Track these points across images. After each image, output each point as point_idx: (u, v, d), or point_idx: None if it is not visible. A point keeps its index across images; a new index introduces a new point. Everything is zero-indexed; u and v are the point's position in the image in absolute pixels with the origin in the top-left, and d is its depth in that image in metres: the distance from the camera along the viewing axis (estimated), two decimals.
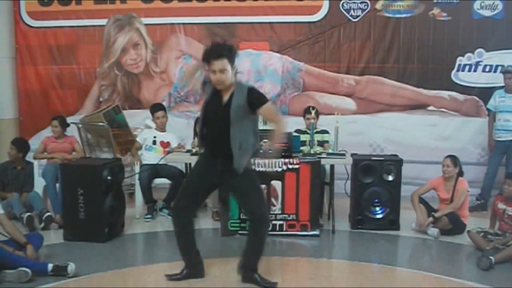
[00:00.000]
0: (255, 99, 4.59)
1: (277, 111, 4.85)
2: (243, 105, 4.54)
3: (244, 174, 4.64)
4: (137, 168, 7.42)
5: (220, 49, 4.53)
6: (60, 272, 4.96)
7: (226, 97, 4.61)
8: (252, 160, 4.86)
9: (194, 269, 5.00)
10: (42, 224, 6.62)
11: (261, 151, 4.89)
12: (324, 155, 6.56)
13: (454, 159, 6.69)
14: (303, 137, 6.98)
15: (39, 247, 5.46)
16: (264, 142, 6.15)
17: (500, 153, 7.86)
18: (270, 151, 4.86)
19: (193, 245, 4.98)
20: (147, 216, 7.20)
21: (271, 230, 6.28)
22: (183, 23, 9.22)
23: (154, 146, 7.48)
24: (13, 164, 7.29)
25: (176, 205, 4.99)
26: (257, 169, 6.25)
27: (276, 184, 6.35)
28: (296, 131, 7.29)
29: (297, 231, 6.37)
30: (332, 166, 6.70)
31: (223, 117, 4.53)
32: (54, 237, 6.35)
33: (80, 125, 8.10)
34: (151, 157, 7.40)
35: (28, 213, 6.56)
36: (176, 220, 4.92)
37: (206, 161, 4.80)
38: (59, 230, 6.46)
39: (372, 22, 8.79)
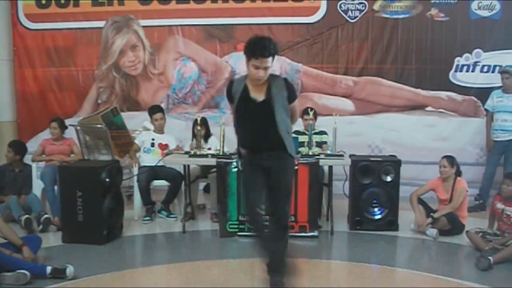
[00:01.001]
0: (292, 91, 4.61)
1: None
2: (284, 95, 4.53)
3: (286, 170, 4.66)
4: (135, 170, 7.41)
5: (270, 47, 4.43)
6: (59, 274, 4.95)
7: (261, 91, 4.54)
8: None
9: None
10: (41, 227, 6.61)
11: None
12: (322, 156, 6.55)
13: (450, 159, 6.69)
14: (301, 138, 6.98)
15: (37, 249, 5.45)
16: None
17: (498, 153, 7.86)
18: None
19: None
20: (145, 218, 7.19)
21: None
22: (181, 25, 9.23)
23: (152, 148, 7.47)
24: (11, 167, 7.28)
25: (250, 214, 4.86)
26: None
27: None
28: (295, 132, 7.27)
29: (296, 232, 6.36)
30: (330, 167, 6.70)
31: (265, 109, 4.48)
32: (52, 239, 6.34)
33: (78, 127, 8.07)
34: (149, 159, 7.39)
35: (26, 215, 6.55)
36: (256, 228, 4.75)
37: (251, 160, 4.69)
38: (58, 233, 6.44)
39: (370, 23, 8.80)
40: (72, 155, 7.57)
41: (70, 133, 7.94)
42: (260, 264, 4.74)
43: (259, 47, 4.39)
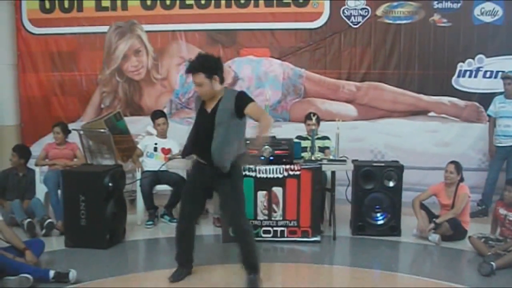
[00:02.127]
0: (241, 100, 4.76)
1: (264, 110, 5.06)
2: (230, 109, 4.72)
3: (230, 180, 4.87)
4: (138, 175, 7.43)
5: (195, 63, 4.71)
6: (62, 279, 4.97)
7: (211, 105, 4.81)
8: (240, 167, 5.12)
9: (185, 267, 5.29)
10: (44, 231, 6.62)
11: (248, 141, 5.04)
12: (325, 161, 6.56)
13: (458, 166, 6.69)
14: (304, 143, 6.99)
15: (40, 254, 5.46)
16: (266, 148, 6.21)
17: (500, 158, 7.86)
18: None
19: (190, 250, 5.26)
20: (148, 223, 7.20)
21: (273, 236, 6.32)
22: (184, 30, 9.24)
23: (155, 152, 7.49)
24: (15, 171, 7.29)
25: (180, 212, 5.26)
26: (258, 175, 6.28)
27: (277, 190, 6.35)
28: (297, 137, 7.29)
29: (298, 237, 6.37)
30: (333, 172, 6.71)
31: (209, 122, 4.74)
32: (55, 243, 6.35)
33: (81, 132, 8.11)
34: (152, 163, 7.41)
35: (29, 219, 6.56)
36: (178, 225, 5.22)
37: (197, 167, 5.05)
38: (61, 237, 6.45)
39: (373, 28, 8.80)
40: (75, 160, 7.58)
41: (74, 137, 7.97)
42: (262, 269, 4.76)
43: (188, 65, 4.77)
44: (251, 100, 4.81)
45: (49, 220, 6.70)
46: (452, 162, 6.75)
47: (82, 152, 7.83)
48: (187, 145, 5.15)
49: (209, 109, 4.82)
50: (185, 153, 5.25)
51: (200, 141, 4.87)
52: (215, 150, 4.72)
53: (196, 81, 4.68)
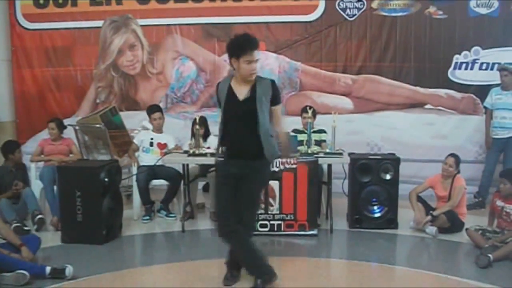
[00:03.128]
0: (277, 94, 4.67)
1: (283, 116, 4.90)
2: (268, 97, 4.57)
3: (259, 176, 4.71)
4: (134, 170, 7.41)
5: (255, 40, 4.55)
6: (58, 274, 4.95)
7: (245, 90, 4.60)
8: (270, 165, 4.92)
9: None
10: (35, 226, 6.64)
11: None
12: (321, 155, 6.54)
13: (457, 159, 6.68)
14: (300, 137, 6.97)
15: (37, 250, 5.44)
16: None
17: (497, 150, 7.86)
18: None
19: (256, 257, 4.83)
20: (145, 218, 7.19)
21: (270, 230, 6.32)
22: (179, 24, 9.22)
23: (151, 147, 7.47)
24: (10, 167, 7.27)
25: (219, 226, 4.83)
26: None
27: (274, 184, 6.33)
28: (293, 130, 7.28)
29: (295, 231, 6.36)
30: (329, 166, 6.70)
31: (248, 107, 4.54)
32: (52, 239, 6.33)
33: (77, 127, 8.08)
34: (148, 158, 7.39)
35: (16, 224, 6.43)
36: (226, 239, 4.83)
37: (226, 163, 4.69)
38: (57, 233, 6.43)
39: (369, 21, 8.79)
40: (71, 155, 7.56)
41: (69, 133, 7.95)
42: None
43: (247, 42, 4.49)
44: (280, 101, 4.77)
45: (40, 217, 6.71)
46: (452, 155, 6.74)
47: (77, 147, 7.81)
48: (221, 139, 4.71)
49: (241, 97, 4.59)
50: (221, 149, 4.72)
51: (236, 131, 4.59)
52: (264, 137, 4.54)
53: (255, 58, 4.51)
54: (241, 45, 4.49)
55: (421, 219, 6.54)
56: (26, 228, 6.57)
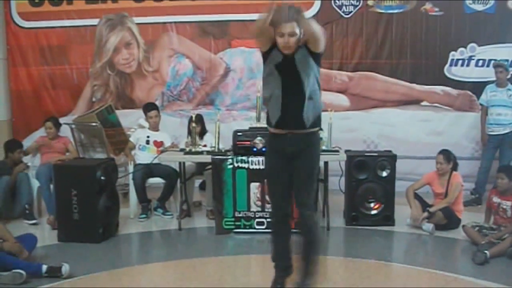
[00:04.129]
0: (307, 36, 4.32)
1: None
2: (306, 55, 4.33)
3: (312, 155, 4.47)
4: (131, 168, 7.41)
5: (291, 11, 4.24)
6: (55, 273, 4.94)
7: (288, 56, 4.33)
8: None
9: (286, 272, 4.67)
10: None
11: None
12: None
13: (446, 154, 6.69)
14: None
15: (33, 248, 5.44)
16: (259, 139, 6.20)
17: (493, 147, 7.88)
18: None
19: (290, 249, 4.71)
20: (141, 216, 7.18)
21: (266, 228, 6.31)
22: (175, 22, 9.20)
23: (147, 145, 7.46)
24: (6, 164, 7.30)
25: (273, 207, 4.72)
26: (251, 167, 6.27)
27: None
28: None
29: (292, 228, 6.33)
30: (326, 163, 6.68)
31: (290, 73, 4.30)
32: (48, 238, 6.33)
33: (73, 126, 8.07)
34: (144, 156, 7.38)
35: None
36: (272, 224, 4.77)
37: (275, 147, 4.49)
38: (53, 231, 6.43)
39: (365, 18, 8.79)
40: (67, 154, 7.55)
41: (65, 131, 7.94)
42: (256, 261, 4.76)
43: (278, 13, 4.22)
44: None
45: (28, 212, 6.94)
46: (441, 152, 6.76)
47: (74, 146, 7.80)
48: (272, 106, 4.41)
49: (285, 62, 4.32)
50: (273, 115, 4.42)
51: (282, 98, 4.33)
52: (306, 102, 4.32)
53: (289, 30, 4.16)
54: (273, 15, 4.21)
55: (418, 216, 6.55)
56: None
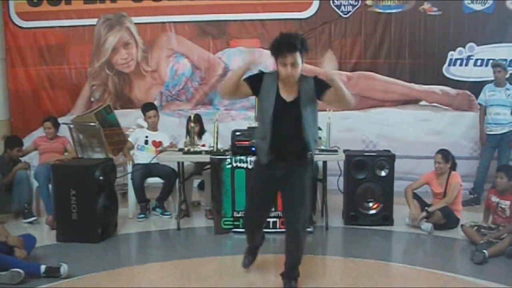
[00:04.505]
0: (319, 82, 4.40)
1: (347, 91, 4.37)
2: (311, 96, 4.37)
3: (304, 174, 4.50)
4: (129, 168, 7.40)
5: (294, 41, 4.22)
6: (53, 273, 4.94)
7: (291, 91, 4.36)
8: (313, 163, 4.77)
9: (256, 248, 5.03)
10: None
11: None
12: (316, 152, 6.52)
13: (445, 154, 6.69)
14: None
15: (32, 248, 5.43)
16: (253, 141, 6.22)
17: (491, 146, 7.88)
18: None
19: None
20: (140, 216, 7.18)
21: (265, 228, 6.30)
22: (174, 22, 9.20)
23: (146, 145, 7.46)
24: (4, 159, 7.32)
25: (246, 217, 4.91)
26: (250, 166, 6.26)
27: None
28: None
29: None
30: (324, 163, 6.69)
31: (294, 109, 4.32)
32: (47, 238, 6.32)
33: (71, 126, 8.06)
34: (143, 156, 7.38)
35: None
36: (247, 229, 4.94)
37: (267, 166, 4.47)
38: (52, 231, 6.42)
39: (363, 17, 8.79)
40: (66, 154, 7.55)
41: (64, 131, 7.94)
42: (257, 261, 4.76)
43: (281, 42, 4.24)
44: (326, 84, 4.35)
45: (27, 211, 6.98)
46: (439, 151, 6.76)
47: (72, 146, 7.79)
48: (261, 143, 4.46)
49: (288, 99, 4.35)
50: (264, 154, 4.45)
51: (282, 133, 4.34)
52: (310, 141, 4.37)
53: (291, 61, 4.17)
54: (276, 45, 4.26)
55: (416, 215, 6.55)
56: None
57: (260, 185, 4.64)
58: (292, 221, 4.51)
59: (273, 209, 6.30)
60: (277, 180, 4.49)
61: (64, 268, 4.96)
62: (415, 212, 6.60)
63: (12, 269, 4.82)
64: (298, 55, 4.21)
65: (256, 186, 4.72)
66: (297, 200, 4.49)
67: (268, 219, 6.33)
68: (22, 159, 7.52)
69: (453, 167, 6.73)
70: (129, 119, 8.67)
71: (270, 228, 6.33)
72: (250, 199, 4.86)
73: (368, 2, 8.73)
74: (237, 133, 6.44)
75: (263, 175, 4.56)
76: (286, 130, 4.34)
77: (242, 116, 8.94)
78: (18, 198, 7.06)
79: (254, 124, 6.57)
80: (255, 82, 4.45)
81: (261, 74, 4.52)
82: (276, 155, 4.41)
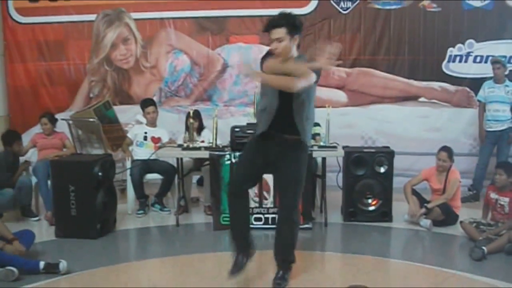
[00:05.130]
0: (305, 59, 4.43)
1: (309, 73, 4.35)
2: None
3: (298, 158, 4.51)
4: (128, 164, 7.39)
5: (279, 18, 4.33)
6: (52, 269, 4.92)
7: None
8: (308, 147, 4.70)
9: (245, 251, 4.72)
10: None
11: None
12: (315, 148, 6.53)
13: (449, 152, 6.68)
14: None
15: (31, 245, 5.41)
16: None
17: (491, 143, 7.88)
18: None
19: (247, 229, 4.78)
20: (139, 212, 7.17)
21: (264, 224, 6.32)
22: (173, 18, 9.20)
23: (145, 141, 7.44)
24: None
25: (230, 192, 4.75)
26: None
27: (268, 177, 6.30)
28: None
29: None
30: (324, 159, 6.69)
31: (285, 93, 4.31)
32: (46, 234, 6.31)
33: (70, 122, 8.06)
34: (142, 152, 7.37)
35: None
36: (231, 205, 4.76)
37: (259, 143, 4.55)
38: (51, 227, 6.41)
39: (363, 14, 8.79)
40: (64, 149, 7.53)
41: (63, 127, 7.93)
42: (255, 258, 4.76)
43: (270, 20, 4.36)
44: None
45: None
46: (443, 149, 6.73)
47: (71, 141, 7.78)
48: (261, 113, 4.54)
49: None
50: (260, 124, 4.52)
51: (272, 110, 4.39)
52: (299, 120, 4.39)
53: (275, 36, 4.28)
54: (265, 24, 4.40)
55: (415, 211, 6.55)
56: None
57: (250, 155, 4.65)
58: (286, 205, 4.57)
59: (271, 205, 6.34)
60: (268, 158, 4.52)
61: (63, 265, 4.95)
62: (414, 209, 6.59)
63: (7, 267, 4.80)
64: (283, 31, 4.29)
65: (247, 156, 4.73)
66: (292, 184, 4.52)
67: (267, 215, 6.36)
68: (22, 158, 7.49)
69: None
70: (128, 115, 8.67)
71: (269, 224, 6.34)
72: (237, 168, 4.91)
73: None
74: (236, 129, 6.43)
75: (255, 146, 4.60)
76: (282, 105, 4.38)
77: (241, 112, 8.95)
78: (19, 202, 6.99)
79: (253, 120, 6.57)
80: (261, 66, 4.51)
81: (265, 55, 4.59)
82: (270, 127, 4.43)
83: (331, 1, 8.78)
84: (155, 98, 8.65)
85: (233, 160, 6.29)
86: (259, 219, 6.39)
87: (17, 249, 5.11)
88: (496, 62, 7.79)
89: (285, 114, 4.38)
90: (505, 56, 8.15)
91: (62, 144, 7.56)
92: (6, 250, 5.10)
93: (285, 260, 4.73)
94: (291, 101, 4.35)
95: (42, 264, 4.93)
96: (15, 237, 5.23)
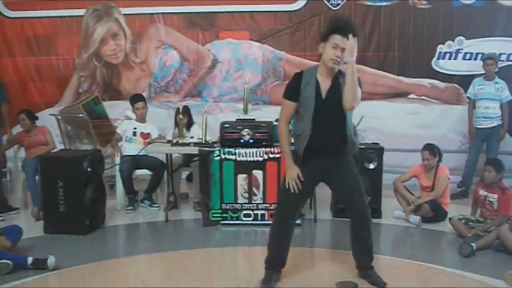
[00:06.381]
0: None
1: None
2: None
3: (351, 163, 4.50)
4: (117, 160, 7.37)
5: (351, 27, 4.22)
6: (40, 265, 4.91)
7: (327, 83, 4.32)
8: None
9: (278, 269, 4.68)
10: None
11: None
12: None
13: (431, 149, 6.68)
14: None
15: (18, 240, 5.38)
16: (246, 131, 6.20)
17: (480, 140, 7.90)
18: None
19: (288, 250, 4.68)
20: (128, 208, 7.15)
21: (253, 220, 6.32)
22: (163, 13, 9.17)
23: (134, 137, 7.43)
24: None
25: (281, 211, 4.59)
26: (238, 158, 6.26)
27: (257, 173, 6.32)
28: (277, 120, 7.24)
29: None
30: None
31: (334, 104, 4.25)
32: (34, 230, 6.27)
33: (59, 117, 8.01)
34: (131, 148, 7.35)
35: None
36: (274, 228, 4.62)
37: (307, 162, 4.37)
38: (39, 223, 6.38)
39: (353, 10, 8.80)
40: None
41: (52, 122, 7.89)
42: (243, 253, 4.74)
43: (345, 23, 4.23)
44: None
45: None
46: (425, 148, 6.74)
47: (52, 136, 7.66)
48: (302, 140, 4.33)
49: (325, 86, 4.30)
50: (299, 150, 4.37)
51: (321, 127, 4.25)
52: (351, 136, 4.35)
53: (344, 45, 4.17)
54: (338, 24, 4.23)
55: (412, 200, 6.57)
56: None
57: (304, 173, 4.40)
58: (361, 211, 4.55)
59: (261, 202, 6.34)
60: (317, 175, 4.45)
61: (51, 260, 4.93)
62: (409, 196, 6.63)
63: (2, 260, 4.79)
64: (351, 41, 4.18)
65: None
66: (357, 190, 4.51)
67: (256, 211, 6.36)
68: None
69: (440, 159, 6.73)
70: (118, 111, 8.65)
71: (258, 220, 6.34)
72: (283, 195, 4.53)
73: None
74: (226, 125, 6.43)
75: (305, 168, 4.39)
76: (329, 126, 4.28)
77: (231, 108, 8.94)
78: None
79: (243, 116, 6.57)
80: (296, 88, 4.34)
81: (299, 76, 4.39)
82: (317, 147, 4.31)
83: None
84: (144, 94, 8.62)
85: (223, 156, 6.30)
86: (248, 215, 6.39)
87: (2, 245, 5.08)
88: (489, 58, 7.79)
89: (335, 132, 4.33)
90: (494, 53, 8.16)
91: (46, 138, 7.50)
92: None
93: (371, 260, 4.74)
94: (339, 116, 4.29)
95: (30, 259, 4.91)
96: (1, 232, 5.21)
